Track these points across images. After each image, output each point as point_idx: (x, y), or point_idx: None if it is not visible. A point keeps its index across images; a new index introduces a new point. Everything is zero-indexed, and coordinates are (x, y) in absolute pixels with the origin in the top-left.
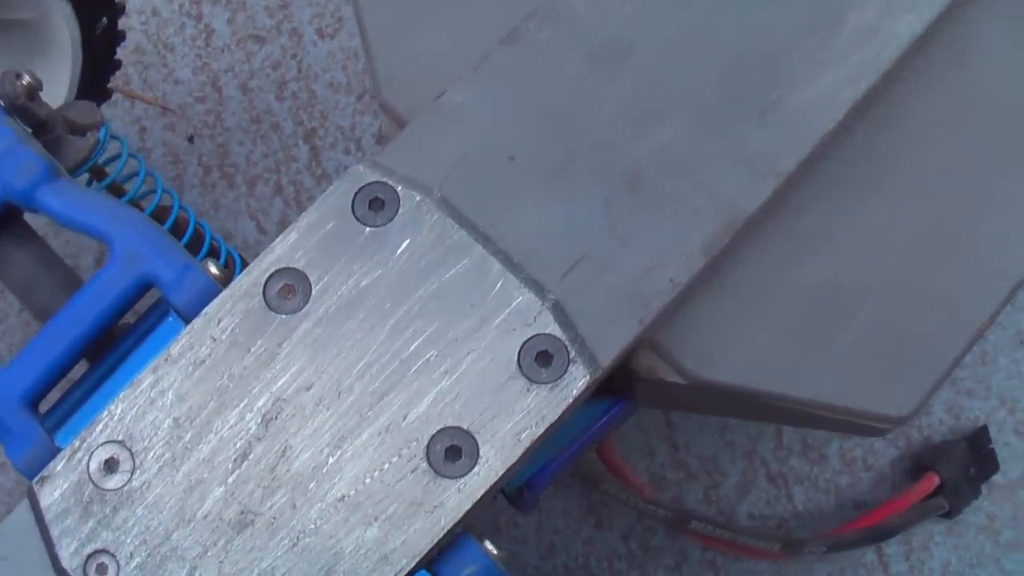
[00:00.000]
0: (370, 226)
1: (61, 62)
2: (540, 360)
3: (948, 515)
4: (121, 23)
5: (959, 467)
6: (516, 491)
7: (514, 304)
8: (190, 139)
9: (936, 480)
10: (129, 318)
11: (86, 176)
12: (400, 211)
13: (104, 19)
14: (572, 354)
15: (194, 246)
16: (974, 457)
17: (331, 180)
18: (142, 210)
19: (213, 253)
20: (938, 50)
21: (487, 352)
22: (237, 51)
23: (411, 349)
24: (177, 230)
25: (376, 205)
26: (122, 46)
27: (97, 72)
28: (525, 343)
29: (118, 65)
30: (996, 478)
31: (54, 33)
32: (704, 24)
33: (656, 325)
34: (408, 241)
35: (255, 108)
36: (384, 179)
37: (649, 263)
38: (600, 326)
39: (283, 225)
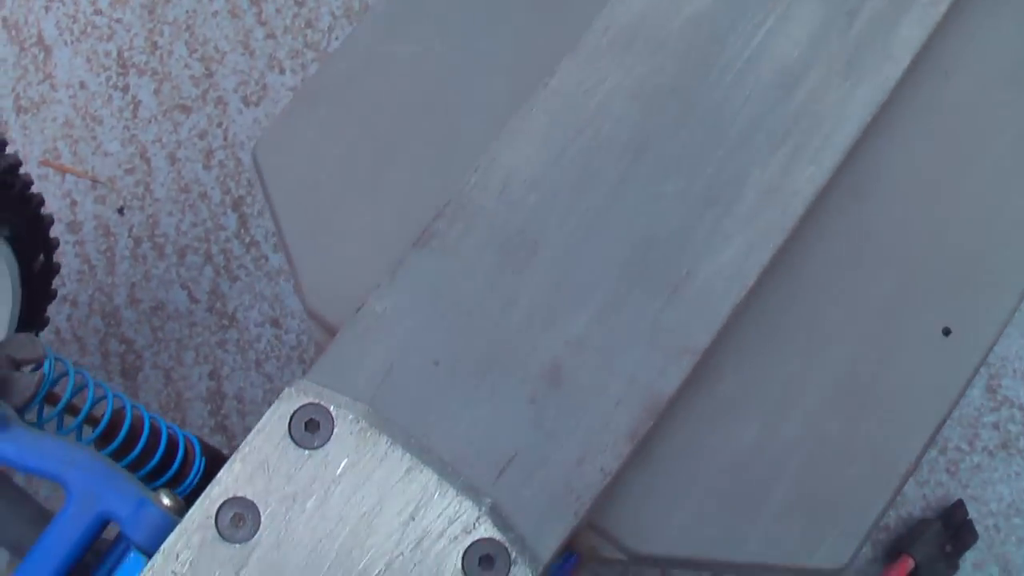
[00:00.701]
0: (309, 448)
1: (1, 301)
2: (484, 564)
3: None
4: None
5: (935, 546)
6: None
7: (453, 512)
8: (120, 211)
9: (911, 563)
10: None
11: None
12: (335, 431)
13: (41, 256)
14: (513, 555)
15: (152, 444)
16: (950, 534)
17: (260, 248)
18: (97, 420)
19: (172, 444)
20: (836, 195)
21: (433, 564)
22: (164, 121)
23: (361, 566)
24: (133, 432)
25: (312, 427)
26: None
27: (36, 304)
28: (467, 549)
29: (54, 295)
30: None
31: None
32: (609, 205)
33: (591, 513)
34: (346, 460)
35: (183, 178)
36: (316, 400)
37: (578, 455)
38: (538, 523)
39: (214, 294)
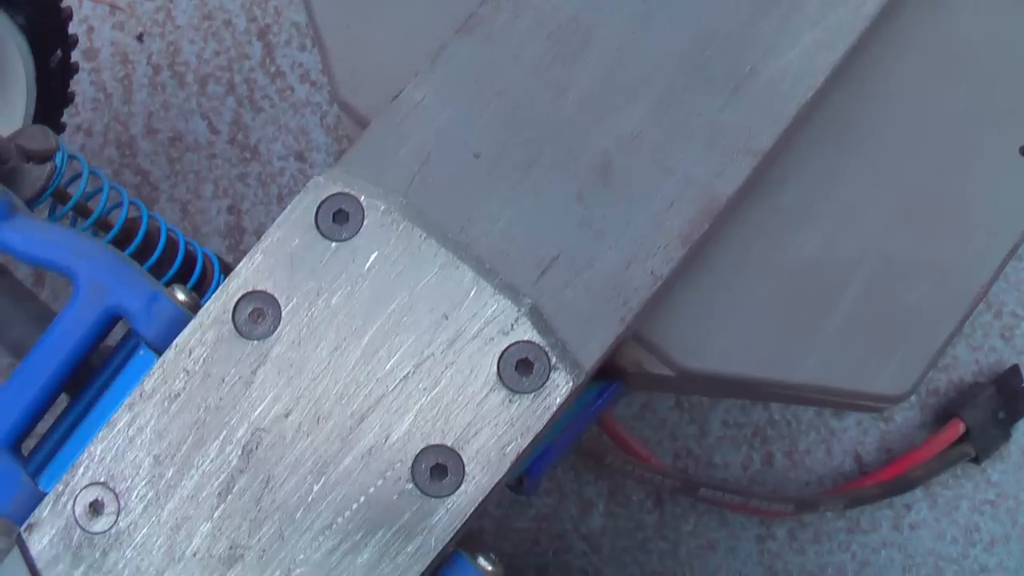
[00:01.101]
0: (336, 240)
1: (15, 95)
2: (520, 369)
3: (976, 460)
4: None
5: (986, 411)
6: (516, 480)
7: (489, 312)
8: (139, 38)
9: (961, 426)
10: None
11: (49, 201)
12: (365, 223)
13: (58, 51)
14: (553, 360)
15: (169, 255)
16: (1003, 400)
17: (286, 78)
18: (110, 226)
19: (189, 259)
20: (913, 2)
21: (466, 365)
22: None
23: (387, 367)
24: (149, 241)
25: (340, 218)
26: None
27: (51, 106)
28: (504, 352)
29: (71, 98)
30: None
31: (8, 66)
32: None
33: (639, 321)
34: (376, 254)
35: (206, 5)
36: (346, 190)
37: (627, 257)
38: (580, 328)
39: (236, 125)
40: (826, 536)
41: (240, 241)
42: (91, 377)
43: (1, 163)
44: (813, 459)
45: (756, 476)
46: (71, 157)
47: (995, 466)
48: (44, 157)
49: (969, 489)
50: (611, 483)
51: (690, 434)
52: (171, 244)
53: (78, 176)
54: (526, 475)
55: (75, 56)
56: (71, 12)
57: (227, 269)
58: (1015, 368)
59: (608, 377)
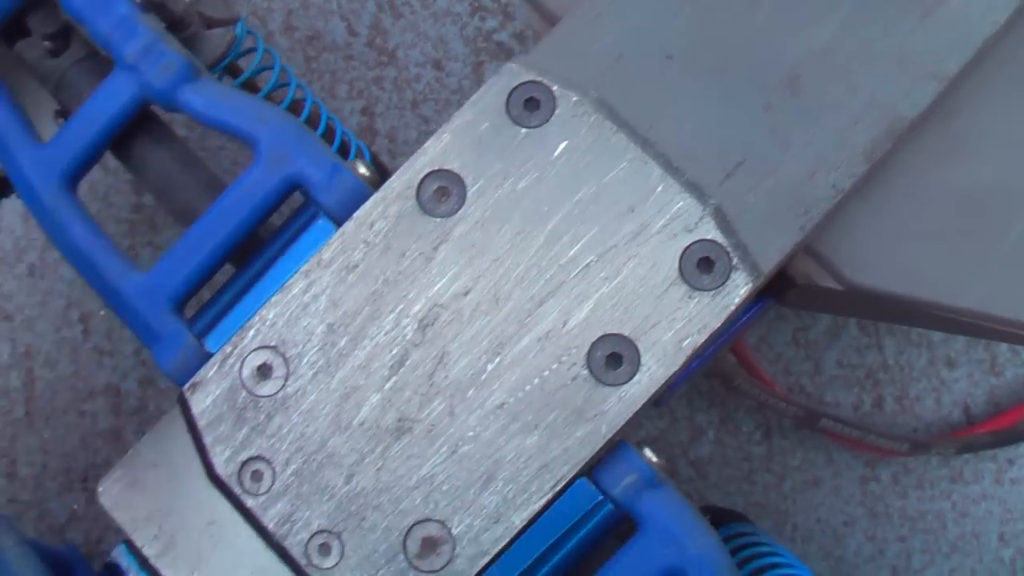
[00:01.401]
0: (526, 127)
1: None
2: (702, 267)
3: None
4: None
5: None
6: None
7: (675, 209)
8: None
9: None
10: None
11: (219, 74)
12: (557, 112)
13: None
14: (734, 261)
15: (327, 140)
16: None
17: None
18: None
19: (344, 147)
20: None
21: (648, 258)
22: None
23: (570, 254)
24: (310, 124)
25: (531, 105)
26: None
27: None
28: (687, 249)
29: None
30: None
31: None
32: None
33: (816, 232)
34: (566, 143)
35: None
36: (539, 78)
37: (811, 168)
38: (762, 232)
39: (375, 29)
40: (929, 483)
41: (372, 143)
42: (259, 248)
43: (183, 28)
44: (923, 406)
45: (865, 418)
46: (248, 32)
47: None
48: (223, 24)
49: None
50: (722, 411)
51: (804, 370)
52: (329, 131)
53: (252, 49)
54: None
55: None
56: None
57: (377, 162)
58: None
59: (767, 292)
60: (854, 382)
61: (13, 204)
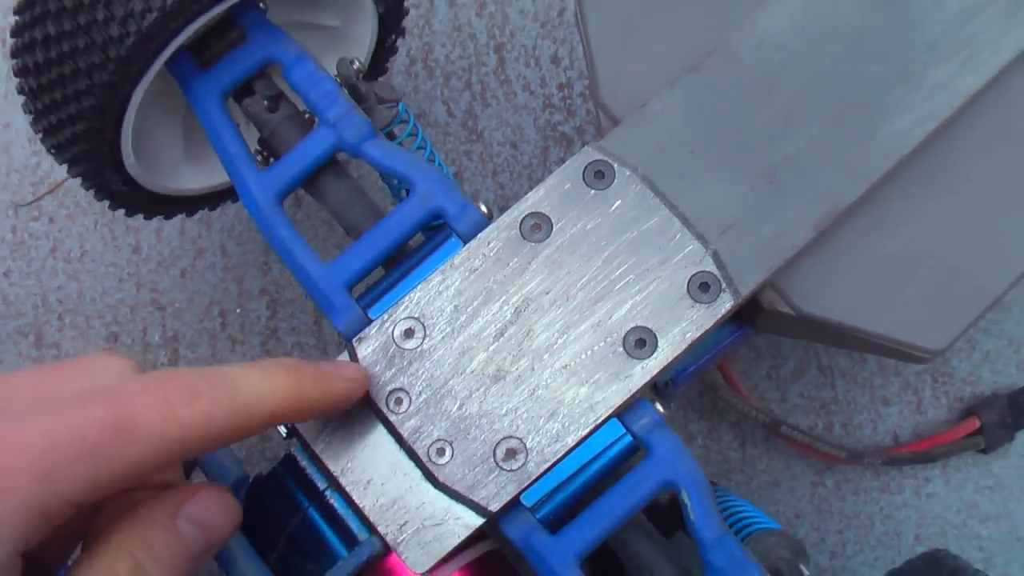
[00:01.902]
0: (594, 189)
1: (360, 52)
2: (702, 288)
3: (984, 451)
4: None
5: (998, 416)
6: (664, 384)
7: (687, 250)
8: (401, 34)
9: (976, 423)
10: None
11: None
12: (615, 181)
13: (393, 36)
14: (723, 286)
15: None
16: (1011, 410)
17: (511, 85)
18: None
19: None
20: (989, 95)
21: (667, 280)
22: None
23: (616, 273)
24: None
25: (599, 176)
26: None
27: (379, 60)
28: (692, 276)
29: (384, 71)
30: None
31: (355, 38)
32: (829, 71)
33: (778, 273)
34: (620, 202)
35: (458, 19)
36: (605, 158)
37: (778, 232)
38: (742, 269)
39: (468, 114)
40: (863, 491)
41: None
42: (406, 255)
43: (364, 102)
44: (862, 433)
45: (818, 438)
46: (404, 109)
47: (998, 460)
48: (390, 102)
49: (975, 474)
50: (710, 423)
51: (774, 398)
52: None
53: (404, 122)
54: (671, 381)
55: None
56: (408, 10)
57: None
58: (1022, 390)
59: (742, 320)
60: (811, 410)
61: (174, 222)
